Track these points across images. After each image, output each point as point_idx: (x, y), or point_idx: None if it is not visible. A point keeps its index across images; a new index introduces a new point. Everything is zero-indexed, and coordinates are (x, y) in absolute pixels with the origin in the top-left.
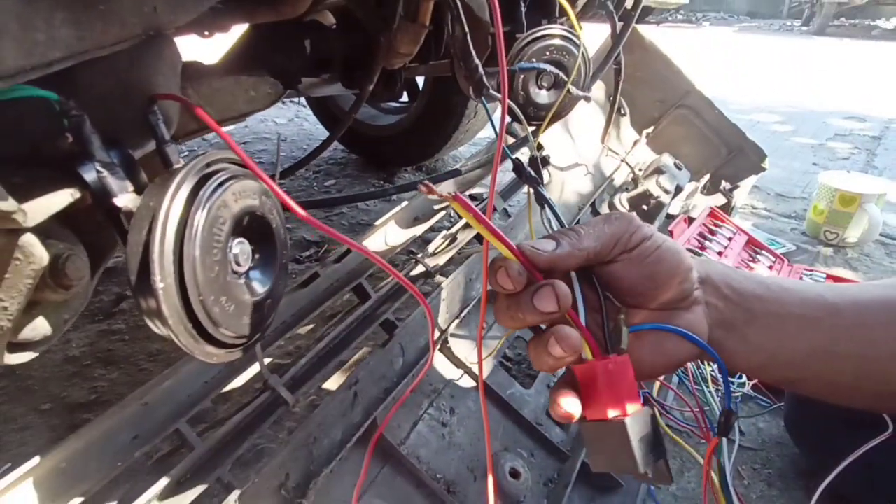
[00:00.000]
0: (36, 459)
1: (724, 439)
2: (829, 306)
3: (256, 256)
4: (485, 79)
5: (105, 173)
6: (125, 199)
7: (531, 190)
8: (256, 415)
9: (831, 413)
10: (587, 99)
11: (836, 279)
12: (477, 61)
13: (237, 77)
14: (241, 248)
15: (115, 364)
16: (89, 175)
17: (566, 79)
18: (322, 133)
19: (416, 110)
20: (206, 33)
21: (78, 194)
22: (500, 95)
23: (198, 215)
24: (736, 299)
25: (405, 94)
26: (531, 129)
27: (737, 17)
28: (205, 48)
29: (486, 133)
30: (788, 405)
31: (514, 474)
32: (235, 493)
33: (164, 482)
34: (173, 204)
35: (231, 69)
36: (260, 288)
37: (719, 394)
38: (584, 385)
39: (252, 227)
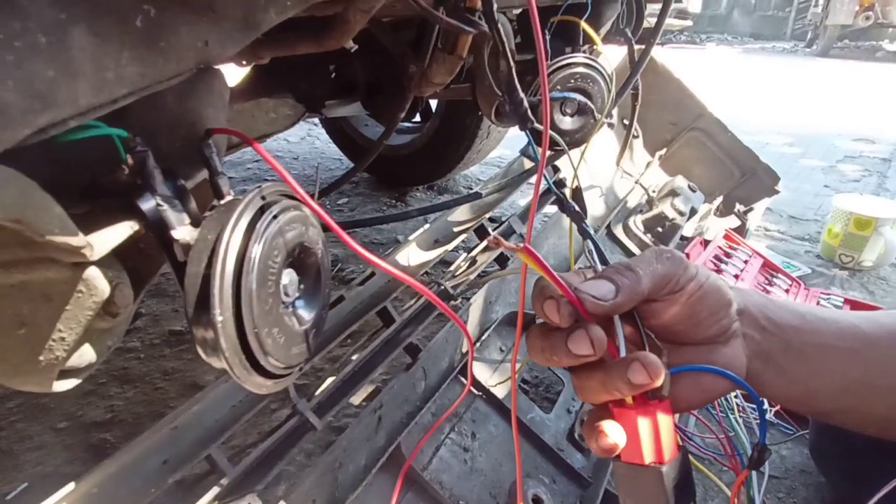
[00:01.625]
0: (70, 485)
1: (755, 473)
2: (866, 337)
3: (302, 286)
4: (529, 112)
5: (164, 206)
6: (182, 231)
7: (573, 224)
8: (284, 440)
9: (859, 441)
10: (611, 125)
11: (855, 304)
12: (522, 95)
13: (258, 99)
14: (290, 279)
15: (131, 382)
16: (148, 207)
17: (592, 107)
18: (334, 152)
19: (429, 130)
20: (244, 62)
21: (137, 226)
22: (541, 126)
23: (255, 248)
24: (773, 330)
25: (417, 113)
26: (559, 156)
27: (740, 38)
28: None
29: (498, 153)
30: (814, 433)
31: (537, 501)
32: None
33: None
34: (233, 237)
35: (254, 92)
36: (306, 316)
37: (744, 420)
38: (621, 425)
39: (299, 256)
